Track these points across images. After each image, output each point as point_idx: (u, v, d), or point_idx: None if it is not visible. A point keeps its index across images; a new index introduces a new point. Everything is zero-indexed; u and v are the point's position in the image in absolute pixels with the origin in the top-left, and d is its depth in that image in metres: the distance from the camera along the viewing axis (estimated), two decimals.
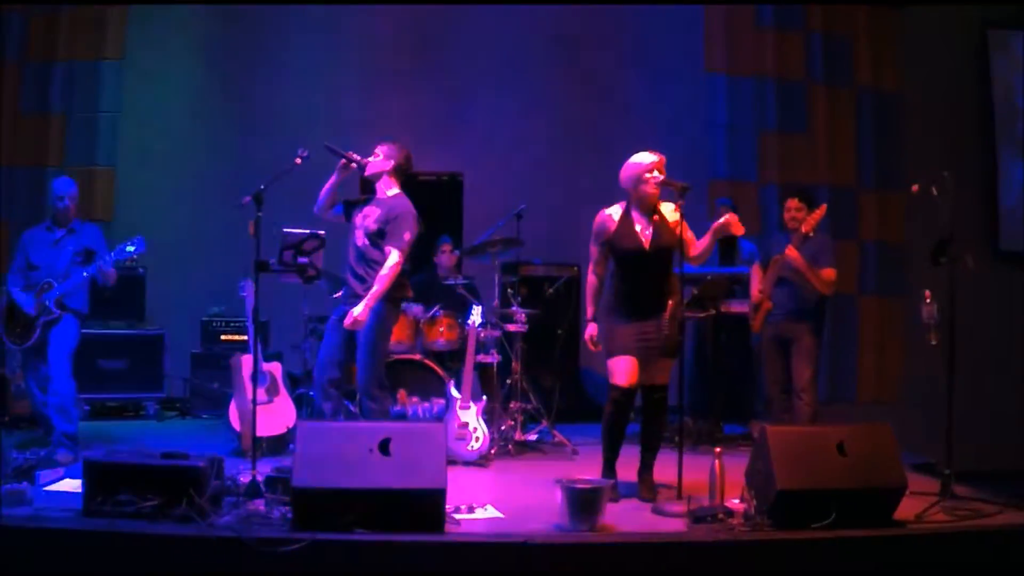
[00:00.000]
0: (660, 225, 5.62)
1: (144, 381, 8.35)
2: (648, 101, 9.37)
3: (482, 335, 6.97)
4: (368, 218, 5.99)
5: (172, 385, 8.56)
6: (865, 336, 9.16)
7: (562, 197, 9.07)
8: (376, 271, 5.89)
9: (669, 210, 5.65)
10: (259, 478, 5.18)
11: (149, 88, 9.04)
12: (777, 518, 4.88)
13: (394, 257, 5.86)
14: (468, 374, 6.70)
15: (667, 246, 5.59)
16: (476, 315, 6.82)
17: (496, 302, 7.24)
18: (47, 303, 6.34)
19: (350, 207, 6.16)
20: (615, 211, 5.69)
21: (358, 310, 5.79)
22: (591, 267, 5.75)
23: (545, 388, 7.72)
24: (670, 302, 5.55)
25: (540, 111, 9.44)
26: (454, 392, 6.72)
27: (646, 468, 5.73)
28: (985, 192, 9.47)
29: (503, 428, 6.99)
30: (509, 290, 7.43)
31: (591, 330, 5.70)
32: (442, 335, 7.22)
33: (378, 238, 5.93)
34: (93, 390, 7.90)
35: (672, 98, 9.32)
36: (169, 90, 9.18)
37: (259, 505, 5.01)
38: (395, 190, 6.11)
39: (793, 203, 6.90)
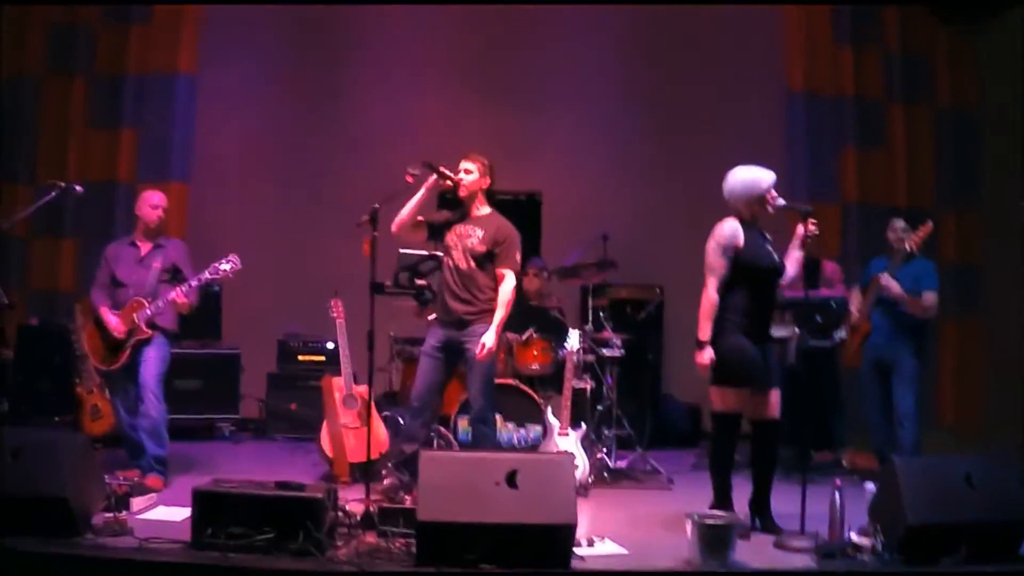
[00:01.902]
0: (772, 244, 5.48)
1: (219, 401, 8.20)
2: (727, 119, 9.20)
3: (576, 360, 6.80)
4: (470, 239, 5.82)
5: (247, 406, 8.39)
6: (944, 359, 8.94)
7: (641, 218, 8.93)
8: (484, 294, 5.76)
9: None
10: (372, 508, 5.02)
11: (224, 104, 8.94)
12: (907, 553, 4.74)
13: (511, 279, 5.76)
14: (567, 400, 6.53)
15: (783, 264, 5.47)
16: (574, 340, 6.65)
17: (589, 326, 7.06)
18: (138, 322, 6.17)
19: (436, 227, 5.97)
20: (735, 225, 5.43)
21: (490, 338, 5.64)
22: (714, 283, 5.37)
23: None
24: (795, 329, 5.38)
25: (618, 131, 9.32)
26: (552, 419, 6.55)
27: (765, 501, 5.53)
28: None
29: (598, 456, 6.81)
30: (601, 314, 7.24)
31: (709, 354, 5.37)
32: (535, 359, 7.05)
33: (487, 260, 5.78)
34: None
35: (751, 116, 9.15)
36: (244, 106, 9.08)
37: (372, 537, 4.86)
38: (488, 208, 5.97)
39: (899, 223, 6.79)
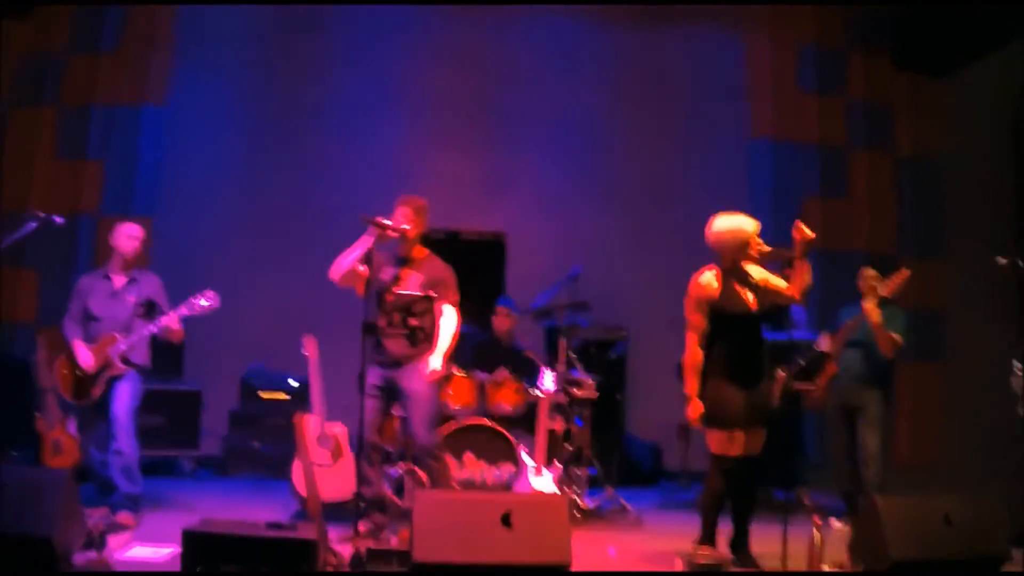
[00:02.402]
0: (755, 286, 5.56)
1: (180, 438, 8.05)
2: (693, 164, 9.35)
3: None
4: (406, 281, 5.93)
5: (208, 443, 8.23)
6: (903, 402, 9.10)
7: (605, 259, 8.96)
8: (422, 333, 5.88)
9: (754, 270, 5.60)
10: (361, 549, 4.97)
11: (191, 137, 8.83)
12: None
13: (453, 313, 5.94)
14: (542, 440, 6.53)
15: (766, 306, 5.54)
16: (549, 381, 6.66)
17: (561, 367, 7.07)
18: (112, 358, 6.06)
19: (378, 287, 5.97)
20: (710, 276, 5.55)
21: (437, 360, 5.81)
22: (695, 339, 5.48)
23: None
24: (780, 372, 5.46)
25: (584, 174, 9.38)
26: (527, 459, 6.54)
27: (745, 538, 5.59)
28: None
29: (571, 495, 6.80)
30: (571, 354, 7.26)
31: (697, 408, 5.44)
32: (508, 399, 7.02)
33: (425, 301, 5.91)
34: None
35: (717, 161, 9.30)
36: (211, 140, 8.96)
37: None
38: (424, 251, 6.10)
39: (870, 272, 6.94)
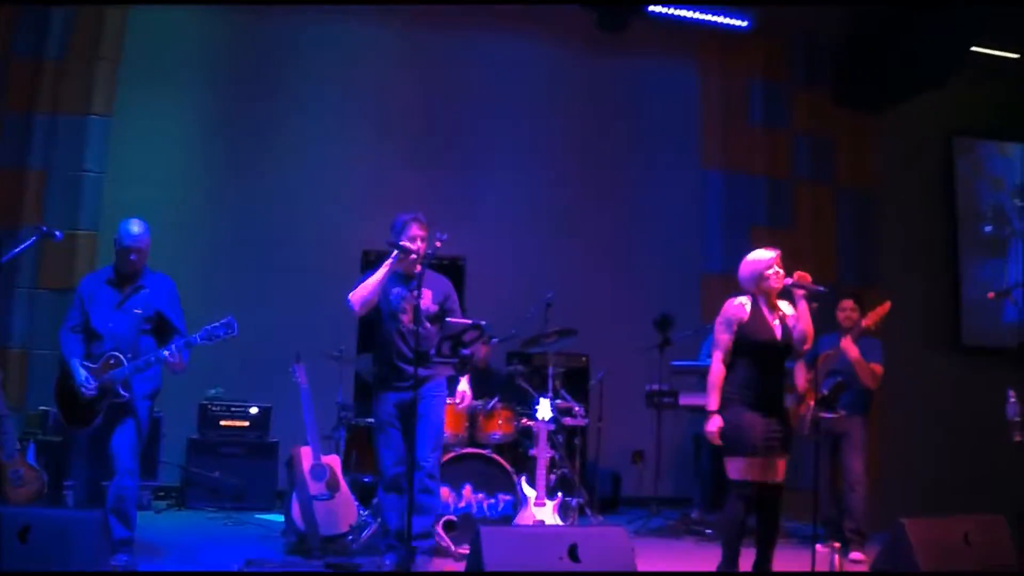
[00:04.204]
0: (783, 319, 5.66)
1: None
2: (647, 194, 9.48)
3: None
4: (422, 300, 5.67)
5: (167, 472, 7.82)
6: None
7: (564, 285, 8.91)
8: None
9: (785, 305, 5.70)
10: None
11: (139, 150, 8.40)
12: None
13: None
14: (542, 470, 6.44)
15: (791, 340, 5.64)
16: (545, 409, 6.57)
17: (550, 395, 6.99)
18: (114, 384, 5.38)
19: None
20: (745, 301, 5.63)
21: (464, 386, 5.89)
22: (720, 356, 5.55)
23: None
24: (810, 400, 5.56)
25: (544, 200, 9.37)
26: (527, 489, 6.44)
27: (766, 563, 5.65)
28: (952, 288, 10.05)
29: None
30: (556, 382, 7.20)
31: (716, 423, 5.49)
32: (499, 428, 6.87)
33: (437, 319, 5.86)
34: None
35: (670, 193, 9.46)
36: (161, 153, 8.55)
37: None
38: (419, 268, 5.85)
39: (848, 303, 7.14)
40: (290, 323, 8.24)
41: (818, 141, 9.60)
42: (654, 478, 8.30)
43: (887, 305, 6.91)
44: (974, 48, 8.74)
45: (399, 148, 9.09)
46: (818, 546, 6.69)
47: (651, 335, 8.23)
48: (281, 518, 7.30)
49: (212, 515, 7.53)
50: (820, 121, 9.61)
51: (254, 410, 7.99)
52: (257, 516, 7.58)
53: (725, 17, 9.03)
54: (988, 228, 10.25)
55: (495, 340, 7.49)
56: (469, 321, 5.71)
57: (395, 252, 5.71)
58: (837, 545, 5.51)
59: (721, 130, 9.39)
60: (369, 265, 9.10)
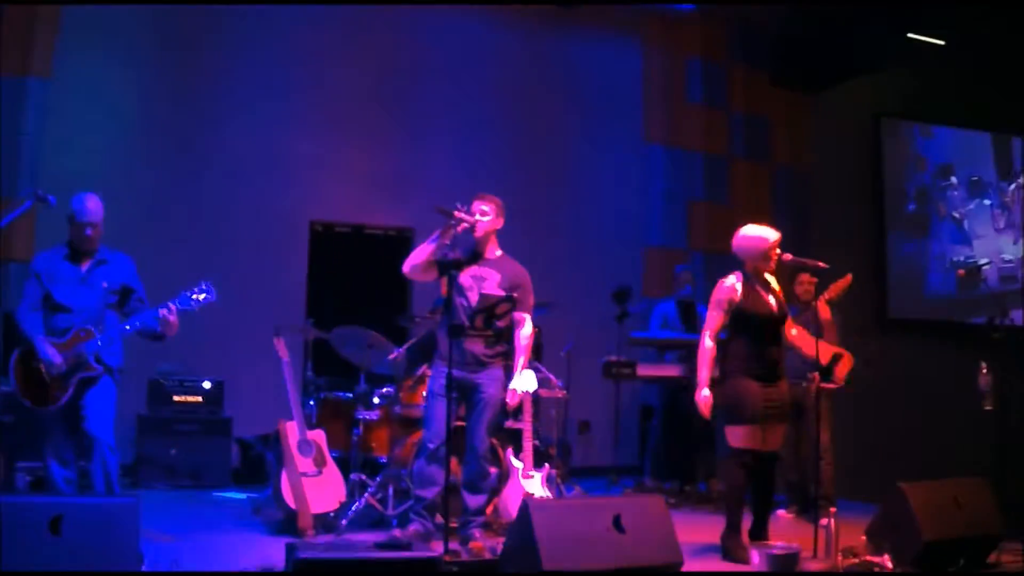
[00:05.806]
0: (776, 293, 5.83)
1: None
2: (590, 167, 9.54)
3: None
4: (486, 282, 5.65)
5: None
6: None
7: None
8: (499, 335, 5.66)
9: (772, 280, 5.87)
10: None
11: (78, 117, 7.97)
12: (922, 567, 5.32)
13: (529, 324, 5.73)
14: (529, 442, 6.44)
15: (785, 311, 5.81)
16: (531, 380, 6.52)
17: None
18: (86, 357, 5.22)
19: (445, 267, 5.72)
20: (734, 280, 5.78)
21: (531, 383, 5.75)
22: (709, 334, 5.76)
23: None
24: (816, 374, 5.75)
25: (490, 172, 9.23)
26: (515, 461, 6.42)
27: (764, 529, 5.82)
28: (877, 264, 10.44)
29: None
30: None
31: (707, 398, 5.68)
32: None
33: (507, 302, 5.66)
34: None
35: (612, 166, 9.54)
36: (98, 122, 8.11)
37: None
38: (499, 250, 5.85)
39: (805, 277, 7.35)
40: (237, 296, 7.94)
41: (755, 120, 9.84)
42: (613, 447, 8.40)
43: (848, 278, 7.07)
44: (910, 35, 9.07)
45: (345, 121, 8.88)
46: (780, 511, 6.98)
47: (597, 307, 8.36)
48: (241, 496, 7.18)
49: (169, 494, 7.24)
50: (757, 101, 9.86)
51: (207, 384, 7.72)
52: (214, 494, 7.37)
53: None
54: (912, 206, 10.71)
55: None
56: (503, 293, 5.60)
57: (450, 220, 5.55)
58: (834, 510, 5.66)
59: (662, 107, 9.54)
60: (316, 236, 8.94)
